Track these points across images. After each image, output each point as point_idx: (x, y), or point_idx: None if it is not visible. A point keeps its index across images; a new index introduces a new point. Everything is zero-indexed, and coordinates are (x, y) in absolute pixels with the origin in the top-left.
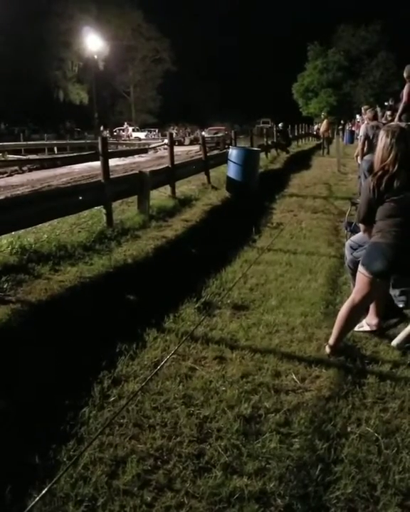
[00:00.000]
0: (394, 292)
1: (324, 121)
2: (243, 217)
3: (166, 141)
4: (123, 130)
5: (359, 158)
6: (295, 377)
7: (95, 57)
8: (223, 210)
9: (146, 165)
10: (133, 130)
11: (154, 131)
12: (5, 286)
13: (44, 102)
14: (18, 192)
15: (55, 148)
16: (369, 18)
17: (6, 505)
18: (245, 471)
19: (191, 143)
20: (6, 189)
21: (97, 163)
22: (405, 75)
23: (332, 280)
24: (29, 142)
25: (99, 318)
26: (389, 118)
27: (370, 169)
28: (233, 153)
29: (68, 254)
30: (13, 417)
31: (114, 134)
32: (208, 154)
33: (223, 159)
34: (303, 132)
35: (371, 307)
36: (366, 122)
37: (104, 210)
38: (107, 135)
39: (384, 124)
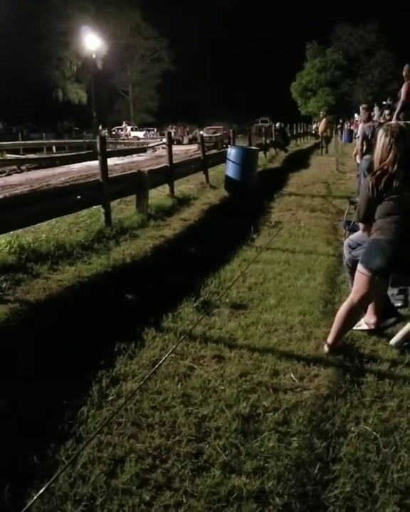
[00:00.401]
0: (392, 291)
1: (323, 121)
2: (241, 216)
3: (164, 140)
4: (121, 129)
5: (357, 157)
6: (293, 376)
7: (94, 56)
8: (222, 209)
9: (145, 164)
10: (131, 129)
11: (153, 130)
12: (3, 286)
13: (42, 101)
14: (17, 191)
15: (54, 148)
16: (367, 17)
17: (4, 504)
18: (243, 470)
19: (190, 142)
20: (4, 188)
21: (96, 163)
22: (404, 73)
23: (330, 279)
24: (27, 141)
25: (97, 318)
26: (387, 117)
27: (370, 168)
28: (231, 152)
29: (67, 253)
30: (11, 416)
31: (113, 133)
32: (206, 153)
33: (222, 158)
34: (302, 131)
35: (370, 306)
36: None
37: (102, 210)
38: (106, 134)
39: (380, 123)
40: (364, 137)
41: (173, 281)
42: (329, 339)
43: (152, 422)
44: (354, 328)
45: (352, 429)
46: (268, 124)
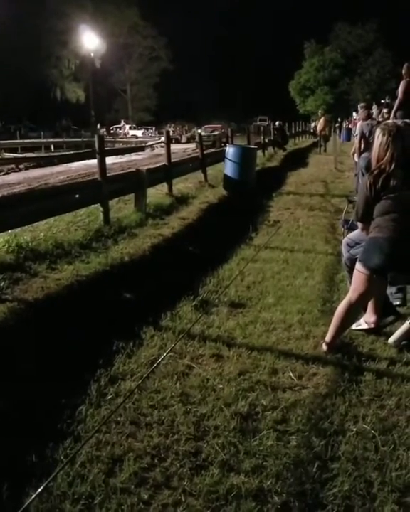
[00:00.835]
0: (391, 290)
1: (321, 119)
2: (239, 215)
3: (163, 139)
4: (120, 128)
5: (356, 155)
6: (292, 374)
7: (92, 55)
8: (220, 208)
9: (143, 163)
10: (130, 128)
11: (151, 129)
12: (1, 285)
13: (41, 99)
14: (15, 190)
15: (52, 147)
16: (366, 16)
17: (2, 503)
18: (242, 468)
19: (188, 141)
20: (2, 187)
21: (94, 161)
22: (404, 71)
23: (329, 278)
24: (25, 140)
25: (96, 317)
26: (386, 115)
27: (368, 167)
28: (229, 151)
29: (65, 252)
30: (9, 415)
31: (111, 132)
32: (204, 152)
33: (220, 157)
34: (300, 130)
35: (369, 305)
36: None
37: (101, 208)
38: (104, 133)
39: (379, 122)
40: (362, 135)
41: (171, 280)
42: (328, 338)
43: (151, 421)
44: (354, 327)
45: (351, 427)
46: (267, 123)
